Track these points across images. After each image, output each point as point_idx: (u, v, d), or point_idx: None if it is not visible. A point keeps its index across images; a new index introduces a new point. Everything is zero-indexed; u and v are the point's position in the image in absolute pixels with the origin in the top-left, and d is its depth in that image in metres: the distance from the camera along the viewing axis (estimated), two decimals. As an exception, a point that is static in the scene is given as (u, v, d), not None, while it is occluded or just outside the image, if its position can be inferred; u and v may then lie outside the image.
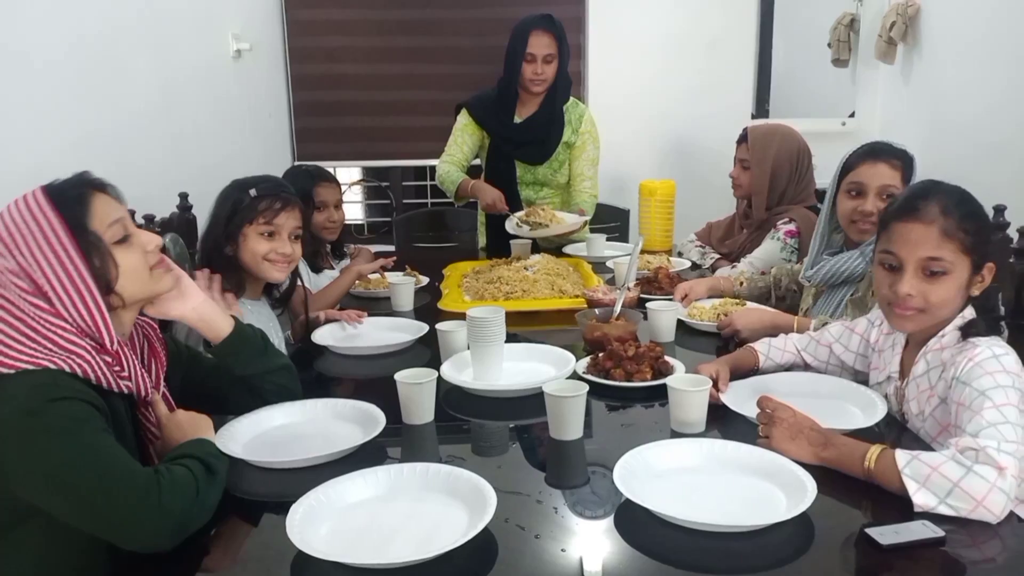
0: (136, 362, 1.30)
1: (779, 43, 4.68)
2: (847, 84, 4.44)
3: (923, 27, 3.84)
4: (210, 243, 1.86)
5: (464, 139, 3.08)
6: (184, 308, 1.41)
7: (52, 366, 1.15)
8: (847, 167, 1.93)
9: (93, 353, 1.20)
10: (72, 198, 1.22)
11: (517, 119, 3.02)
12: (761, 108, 4.59)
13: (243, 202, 1.85)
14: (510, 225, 2.83)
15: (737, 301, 2.20)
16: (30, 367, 1.15)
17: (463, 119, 3.09)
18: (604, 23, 4.22)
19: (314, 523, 1.15)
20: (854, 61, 4.37)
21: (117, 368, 1.24)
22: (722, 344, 2.00)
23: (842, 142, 1.96)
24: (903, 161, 1.88)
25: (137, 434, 1.32)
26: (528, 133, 3.00)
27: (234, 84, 3.67)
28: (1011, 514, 1.15)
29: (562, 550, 1.11)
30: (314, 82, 4.30)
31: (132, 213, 1.35)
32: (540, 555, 1.11)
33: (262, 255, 1.86)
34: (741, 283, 2.34)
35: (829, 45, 4.46)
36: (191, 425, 1.34)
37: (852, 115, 4.41)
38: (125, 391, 1.26)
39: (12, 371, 1.14)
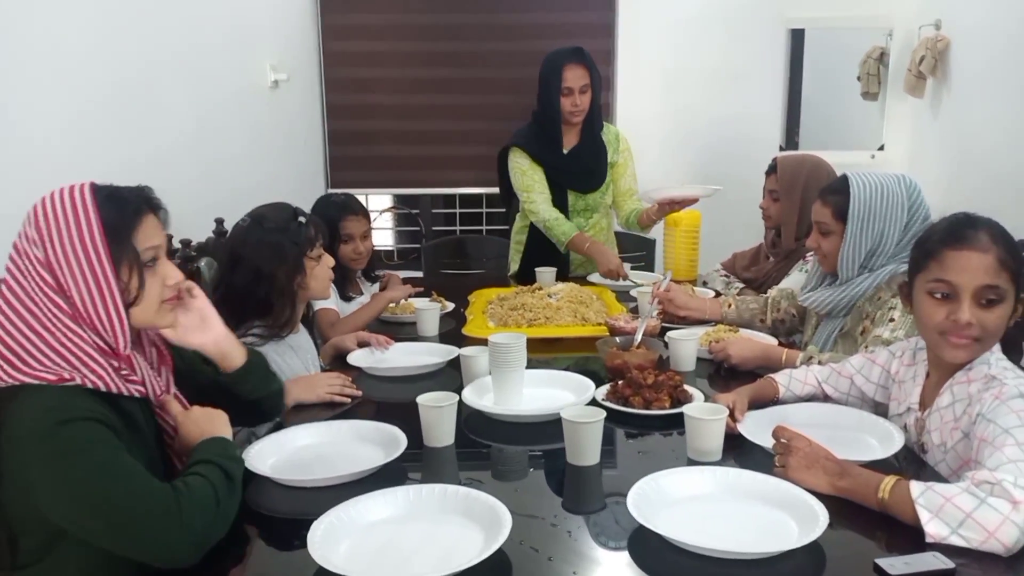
0: (146, 365, 1.31)
1: (809, 76, 4.69)
2: (876, 117, 4.45)
3: (952, 62, 3.84)
4: (265, 287, 1.86)
5: (537, 176, 3.07)
6: (205, 339, 1.42)
7: (65, 379, 1.16)
8: None
9: (103, 361, 1.21)
10: (129, 208, 1.24)
11: (564, 150, 3.08)
12: (791, 140, 4.60)
13: (301, 233, 1.91)
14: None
15: (730, 328, 2.23)
16: (41, 382, 1.15)
17: (522, 160, 3.08)
18: (633, 56, 4.28)
19: (334, 541, 1.18)
20: (883, 95, 4.38)
21: (126, 372, 1.25)
22: (713, 370, 2.04)
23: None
24: (837, 195, 1.96)
25: (158, 437, 1.34)
26: (578, 163, 3.07)
27: (271, 113, 3.78)
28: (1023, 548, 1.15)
29: (573, 572, 1.14)
30: (348, 111, 4.41)
31: (169, 238, 1.39)
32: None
33: (329, 277, 1.97)
34: (730, 304, 2.36)
35: (858, 78, 4.47)
36: (207, 421, 1.35)
37: (881, 148, 4.41)
38: (137, 395, 1.27)
39: (24, 383, 1.15)
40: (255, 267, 1.87)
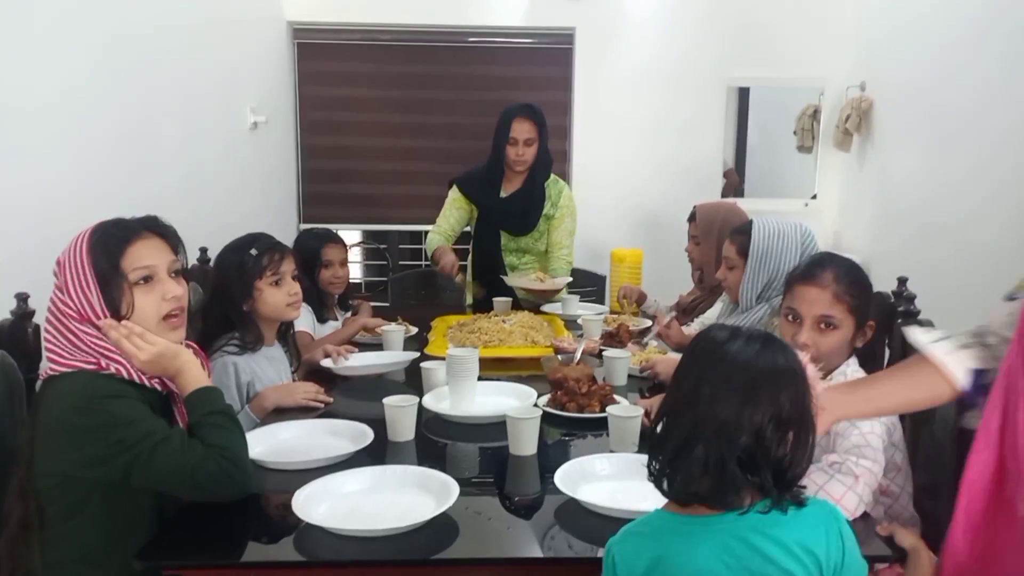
0: None
1: (753, 129, 5.08)
2: (810, 169, 4.85)
3: (875, 120, 4.25)
4: (225, 306, 2.15)
5: (452, 212, 3.46)
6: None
7: (93, 367, 1.46)
8: None
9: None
10: (115, 237, 1.52)
11: (503, 194, 3.39)
12: (738, 189, 4.97)
13: (248, 262, 2.16)
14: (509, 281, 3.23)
15: (659, 350, 2.54)
16: (73, 370, 1.45)
17: (453, 194, 3.47)
18: (588, 107, 4.64)
19: (314, 504, 1.45)
20: (816, 148, 4.78)
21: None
22: (645, 385, 2.33)
23: (806, 221, 2.32)
24: (743, 236, 2.28)
25: None
26: (512, 207, 3.37)
27: (250, 152, 4.06)
28: (864, 513, 1.46)
29: (507, 528, 1.42)
30: (322, 152, 4.72)
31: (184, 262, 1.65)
32: (490, 531, 1.42)
33: (284, 303, 2.18)
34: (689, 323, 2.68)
35: (795, 133, 4.88)
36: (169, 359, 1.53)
37: (814, 197, 4.80)
38: (158, 388, 1.55)
39: (65, 371, 1.45)
40: (216, 289, 2.20)
